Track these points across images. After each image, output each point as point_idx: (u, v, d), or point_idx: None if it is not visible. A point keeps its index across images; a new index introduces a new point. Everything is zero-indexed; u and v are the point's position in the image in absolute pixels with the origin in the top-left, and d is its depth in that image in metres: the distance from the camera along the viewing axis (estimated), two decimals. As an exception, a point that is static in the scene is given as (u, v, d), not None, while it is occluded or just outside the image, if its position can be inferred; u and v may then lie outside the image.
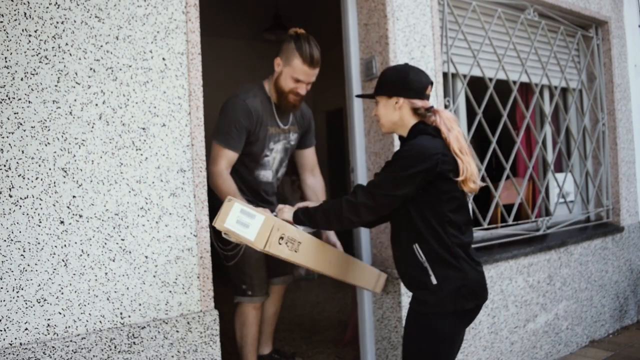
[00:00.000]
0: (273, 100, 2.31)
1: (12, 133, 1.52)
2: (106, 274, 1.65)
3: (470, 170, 1.63)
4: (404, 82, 1.72)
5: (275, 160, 2.41)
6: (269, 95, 2.31)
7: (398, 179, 1.61)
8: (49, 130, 1.57)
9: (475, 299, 1.64)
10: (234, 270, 2.34)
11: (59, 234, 1.57)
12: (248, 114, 2.19)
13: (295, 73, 2.18)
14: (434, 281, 1.63)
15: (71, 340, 1.56)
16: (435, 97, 2.57)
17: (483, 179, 2.90)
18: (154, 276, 1.73)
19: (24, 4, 1.55)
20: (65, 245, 1.58)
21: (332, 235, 2.35)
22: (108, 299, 1.65)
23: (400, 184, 1.62)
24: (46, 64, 1.57)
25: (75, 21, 1.63)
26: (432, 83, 1.77)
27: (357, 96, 2.04)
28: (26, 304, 1.52)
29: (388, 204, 1.66)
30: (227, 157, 2.19)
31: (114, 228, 1.67)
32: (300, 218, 1.80)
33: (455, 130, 1.66)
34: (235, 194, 2.14)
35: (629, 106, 3.85)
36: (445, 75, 2.75)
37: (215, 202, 2.40)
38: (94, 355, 1.59)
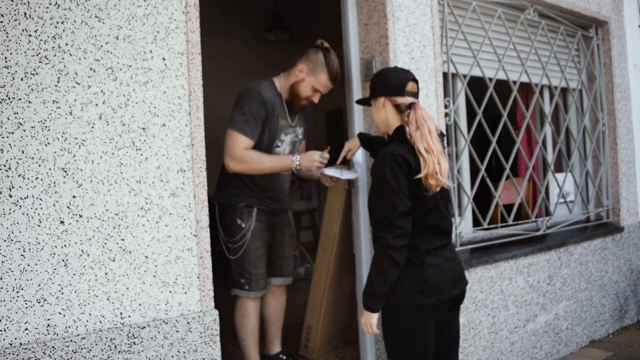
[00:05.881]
0: (284, 97, 2.42)
1: (12, 133, 1.52)
2: (106, 274, 1.65)
3: (432, 168, 1.64)
4: (383, 81, 1.80)
5: (285, 152, 2.51)
6: (279, 92, 2.41)
7: (393, 194, 1.63)
8: (49, 130, 1.57)
9: (437, 294, 1.68)
10: (234, 264, 2.44)
11: (59, 234, 1.57)
12: (264, 104, 2.30)
13: (317, 85, 2.34)
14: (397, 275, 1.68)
15: (71, 340, 1.56)
16: (436, 97, 2.57)
17: (483, 179, 2.91)
18: (154, 276, 1.73)
19: (24, 4, 1.55)
20: (65, 245, 1.58)
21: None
22: (108, 299, 1.65)
23: (396, 197, 1.63)
24: (46, 64, 1.57)
25: (75, 21, 1.63)
26: (414, 80, 1.80)
27: (357, 102, 2.08)
28: (26, 304, 1.52)
29: (408, 219, 1.65)
30: (244, 144, 2.26)
31: (114, 228, 1.67)
32: (371, 302, 1.70)
33: (425, 128, 1.68)
34: (267, 157, 2.29)
35: (629, 106, 3.85)
36: (445, 75, 2.76)
37: (220, 197, 2.45)
38: (94, 355, 1.59)
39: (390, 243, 1.62)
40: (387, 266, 1.64)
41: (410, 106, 1.75)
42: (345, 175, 2.39)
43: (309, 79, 2.34)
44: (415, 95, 1.80)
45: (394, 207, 1.62)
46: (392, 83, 1.78)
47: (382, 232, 1.64)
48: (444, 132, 2.59)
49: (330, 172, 2.36)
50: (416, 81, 1.81)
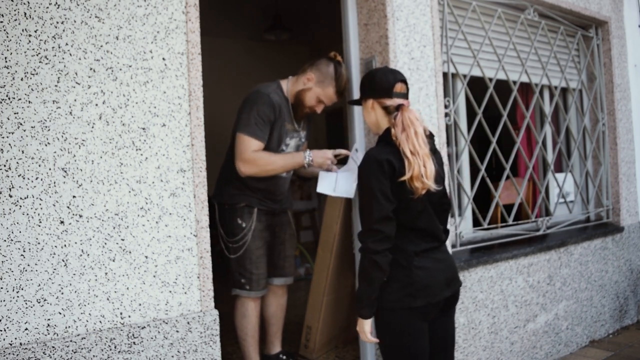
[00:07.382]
0: (290, 101, 2.43)
1: (12, 133, 1.52)
2: (106, 274, 1.65)
3: (417, 170, 1.62)
4: (371, 83, 1.79)
5: None
6: (286, 96, 2.42)
7: (374, 198, 1.62)
8: (49, 130, 1.57)
9: (425, 297, 1.66)
10: (234, 263, 2.44)
11: (59, 234, 1.57)
12: (272, 107, 2.30)
13: (323, 96, 2.36)
14: (385, 278, 1.68)
15: (71, 340, 1.56)
16: (436, 97, 2.57)
17: (483, 179, 2.91)
18: (154, 276, 1.73)
19: (24, 4, 1.55)
20: (65, 245, 1.58)
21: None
22: (108, 299, 1.65)
23: (379, 201, 1.62)
24: (46, 64, 1.58)
25: (75, 21, 1.63)
26: (402, 81, 1.78)
27: (349, 103, 2.07)
28: (26, 304, 1.52)
29: (389, 223, 1.64)
30: (254, 147, 2.27)
31: (114, 228, 1.67)
32: (360, 307, 1.71)
33: (411, 130, 1.66)
34: (278, 157, 2.32)
35: (629, 106, 3.85)
36: (445, 75, 2.76)
37: (220, 196, 2.45)
38: (94, 355, 1.59)
39: (371, 247, 1.61)
40: (371, 270, 1.63)
41: (399, 108, 1.72)
42: (338, 190, 2.33)
43: (316, 89, 2.35)
44: (405, 96, 1.78)
45: (373, 211, 1.61)
46: (380, 84, 1.76)
47: (363, 236, 1.65)
48: (438, 133, 2.59)
49: (322, 189, 2.33)
50: (405, 82, 1.79)
